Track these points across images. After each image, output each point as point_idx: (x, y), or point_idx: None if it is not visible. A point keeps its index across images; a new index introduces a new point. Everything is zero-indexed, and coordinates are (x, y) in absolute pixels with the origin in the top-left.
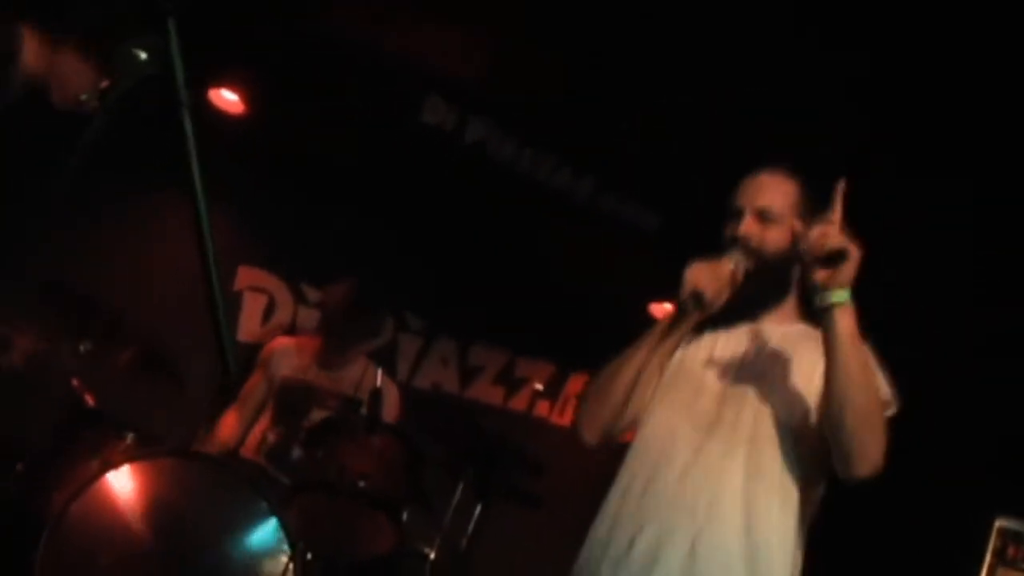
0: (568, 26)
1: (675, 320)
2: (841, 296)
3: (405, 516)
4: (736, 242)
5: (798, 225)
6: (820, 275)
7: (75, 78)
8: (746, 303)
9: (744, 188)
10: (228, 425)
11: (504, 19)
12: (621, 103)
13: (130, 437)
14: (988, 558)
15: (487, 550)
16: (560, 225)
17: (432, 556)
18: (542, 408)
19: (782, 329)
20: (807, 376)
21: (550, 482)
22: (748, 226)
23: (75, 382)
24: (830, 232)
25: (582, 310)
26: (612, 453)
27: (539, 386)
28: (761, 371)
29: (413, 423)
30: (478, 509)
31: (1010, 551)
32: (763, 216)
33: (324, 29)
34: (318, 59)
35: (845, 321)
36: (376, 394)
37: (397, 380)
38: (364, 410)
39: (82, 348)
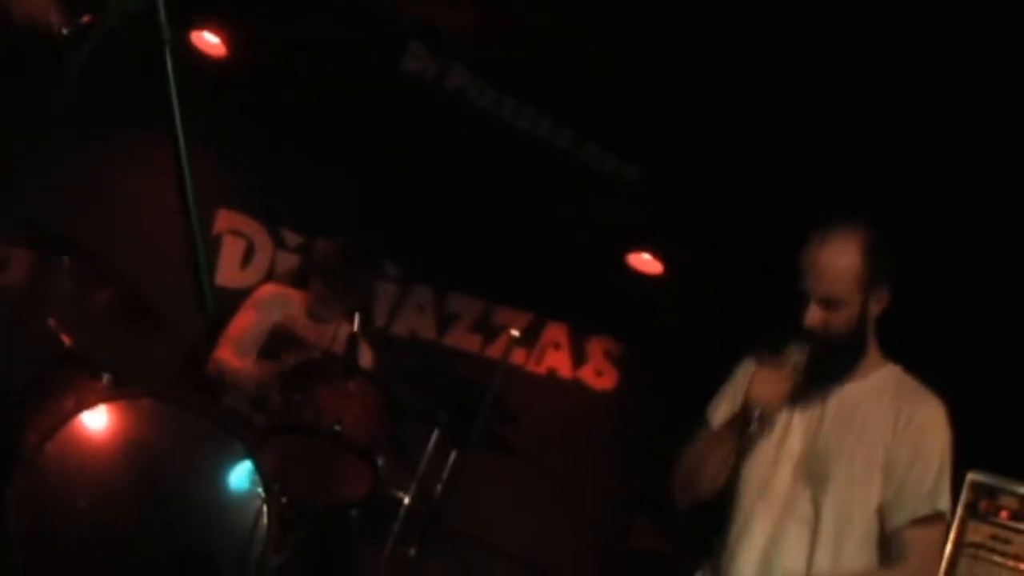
0: None
1: (742, 425)
2: None
3: (381, 461)
4: (808, 331)
5: (866, 300)
6: None
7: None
8: (822, 373)
9: (810, 270)
10: (232, 359)
11: None
12: (601, 53)
13: (106, 378)
14: (960, 512)
15: (462, 496)
16: (539, 174)
17: (407, 501)
18: (518, 356)
19: (860, 385)
20: (873, 451)
21: (525, 429)
22: (814, 317)
23: (52, 322)
24: None
25: (560, 259)
26: (587, 402)
27: (515, 332)
28: (831, 449)
29: (389, 370)
30: (453, 455)
31: (982, 505)
32: (828, 304)
33: None
34: (300, 3)
35: None
36: (353, 339)
37: (374, 327)
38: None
39: (59, 288)
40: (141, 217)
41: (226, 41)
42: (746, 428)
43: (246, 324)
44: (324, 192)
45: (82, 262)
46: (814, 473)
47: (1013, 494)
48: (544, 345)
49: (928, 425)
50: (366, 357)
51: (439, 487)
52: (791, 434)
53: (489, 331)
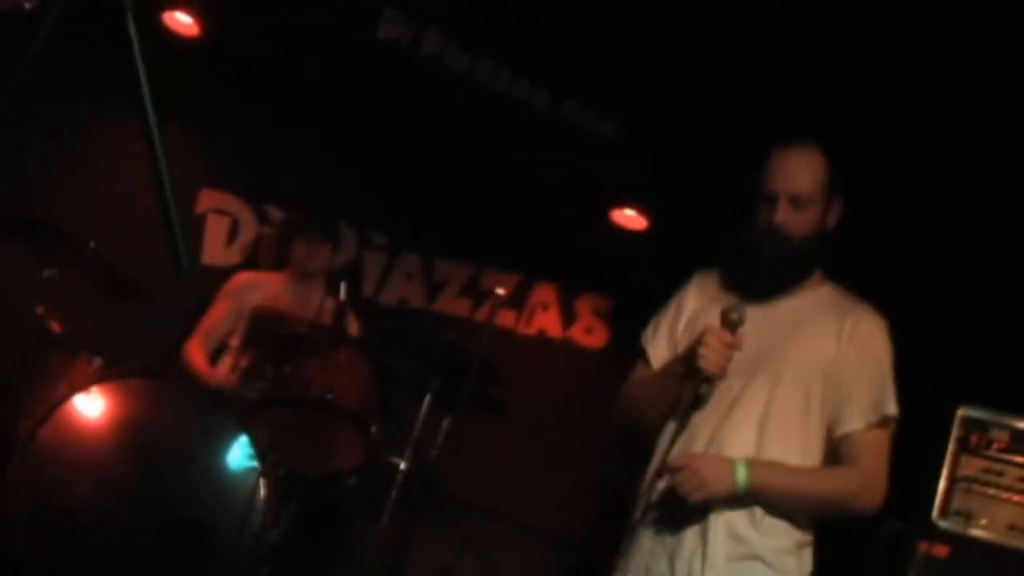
0: None
1: (689, 376)
2: (741, 485)
3: (374, 429)
4: (770, 230)
5: (825, 208)
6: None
7: None
8: (772, 283)
9: (776, 170)
10: (198, 355)
11: None
12: (575, 11)
13: (97, 362)
14: (951, 446)
15: (457, 459)
16: (519, 136)
17: (402, 467)
18: (508, 318)
19: (802, 298)
20: (817, 356)
21: (517, 391)
22: (783, 213)
23: (40, 309)
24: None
25: (545, 219)
26: (578, 361)
27: (501, 291)
28: (775, 350)
29: (378, 337)
30: (446, 420)
31: (973, 439)
32: (796, 202)
33: None
34: None
35: (761, 490)
36: (341, 309)
37: (363, 296)
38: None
39: (45, 275)
40: (127, 199)
41: (199, 20)
42: (694, 387)
43: (219, 315)
44: (306, 166)
45: (68, 247)
46: (761, 375)
47: (1004, 427)
48: (533, 306)
49: (872, 335)
50: (354, 327)
51: (433, 452)
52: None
53: (478, 295)
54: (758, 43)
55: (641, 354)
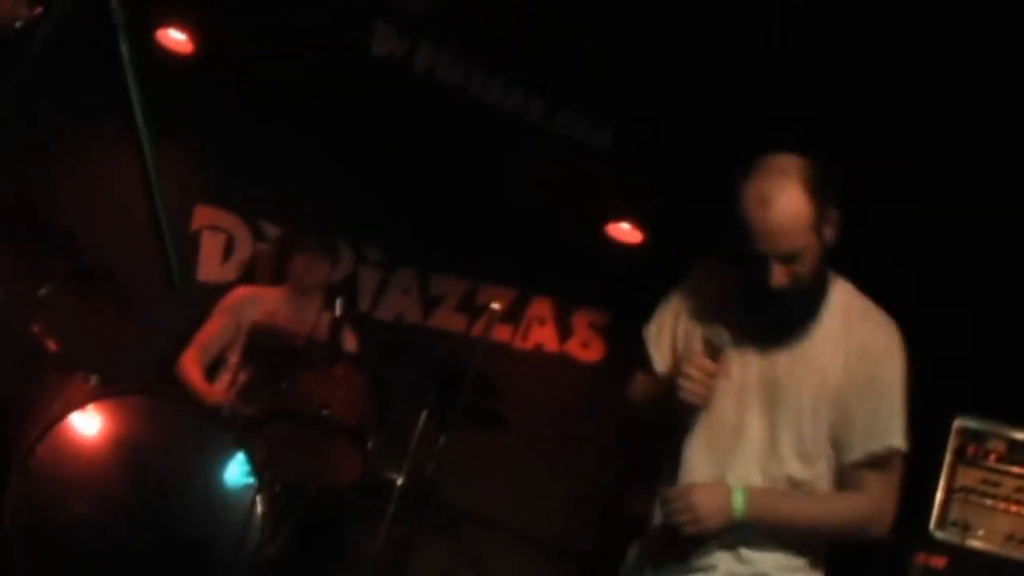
0: None
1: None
2: (738, 515)
3: (371, 443)
4: (774, 292)
5: (820, 238)
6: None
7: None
8: (791, 321)
9: (758, 234)
10: (194, 369)
11: None
12: (568, 23)
13: (94, 379)
14: (948, 457)
15: (454, 474)
16: (515, 148)
17: (400, 482)
18: (504, 333)
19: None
20: (823, 382)
21: (514, 405)
22: (779, 278)
23: (36, 327)
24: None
25: (541, 234)
26: (575, 374)
27: (496, 306)
28: (782, 375)
29: (374, 353)
30: (443, 434)
31: (970, 450)
32: (789, 259)
33: None
34: None
35: (760, 519)
36: (337, 323)
37: (359, 312)
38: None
39: (41, 293)
40: (122, 217)
41: (192, 37)
42: (684, 418)
43: (214, 330)
44: (300, 182)
45: (63, 266)
46: (764, 401)
47: (1001, 437)
48: (529, 321)
49: (882, 356)
50: (350, 342)
51: (430, 466)
52: (747, 365)
53: (474, 310)
54: (754, 55)
55: (643, 354)
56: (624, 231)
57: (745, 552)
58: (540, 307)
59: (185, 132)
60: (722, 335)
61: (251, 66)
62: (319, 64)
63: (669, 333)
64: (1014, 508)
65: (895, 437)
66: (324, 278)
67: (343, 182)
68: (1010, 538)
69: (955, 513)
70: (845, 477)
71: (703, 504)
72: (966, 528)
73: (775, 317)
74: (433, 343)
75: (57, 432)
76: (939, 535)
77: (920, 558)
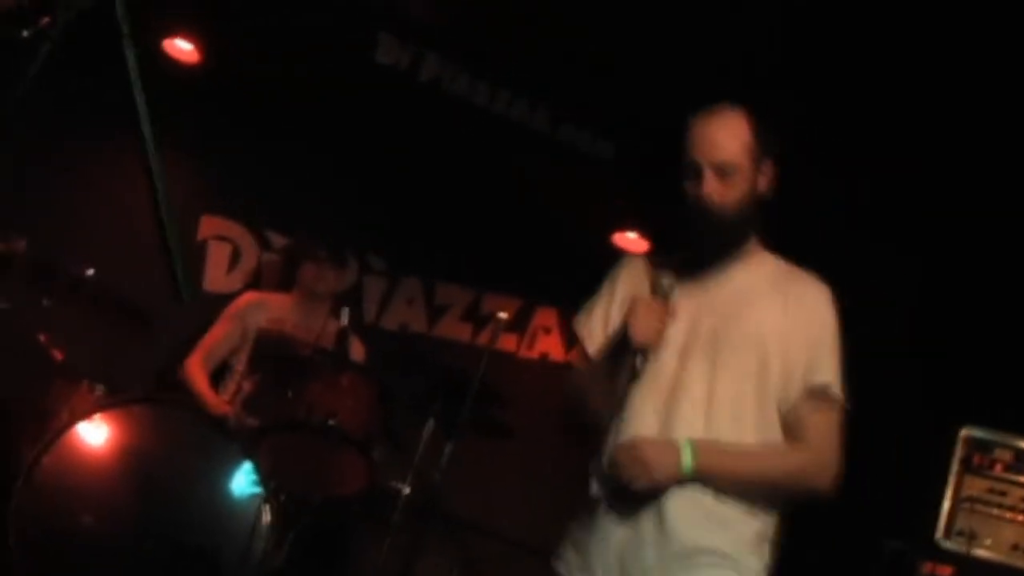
0: None
1: (625, 353)
2: (687, 468)
3: (377, 453)
4: (700, 202)
5: (755, 172)
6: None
7: None
8: (709, 256)
9: (698, 141)
10: (199, 374)
11: None
12: (572, 33)
13: (100, 389)
14: (955, 467)
15: (460, 483)
16: (519, 158)
17: (406, 492)
18: (509, 342)
19: (742, 271)
20: (764, 329)
21: (520, 415)
22: (710, 185)
23: (42, 337)
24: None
25: (546, 243)
26: None
27: (504, 315)
28: (718, 325)
29: (380, 362)
30: (449, 444)
31: (976, 459)
32: (722, 171)
33: None
34: (269, 3)
35: (708, 472)
36: (343, 332)
37: (364, 322)
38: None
39: (46, 302)
40: (126, 224)
41: (199, 47)
42: (631, 364)
43: (220, 334)
44: (306, 191)
45: (68, 275)
46: (703, 353)
47: (1007, 447)
48: (535, 330)
49: (818, 305)
50: (358, 351)
51: (437, 475)
52: (678, 318)
53: (479, 319)
54: (759, 64)
55: (577, 343)
56: (630, 240)
57: (697, 522)
58: (545, 316)
59: (191, 141)
60: (669, 280)
61: (256, 76)
62: (324, 73)
63: (602, 317)
64: (1020, 517)
65: (830, 375)
66: (333, 287)
67: (348, 191)
68: (1016, 547)
69: (961, 522)
70: (785, 426)
71: (652, 456)
72: (972, 537)
73: (707, 246)
74: (438, 352)
75: (63, 441)
76: (946, 544)
77: (926, 567)
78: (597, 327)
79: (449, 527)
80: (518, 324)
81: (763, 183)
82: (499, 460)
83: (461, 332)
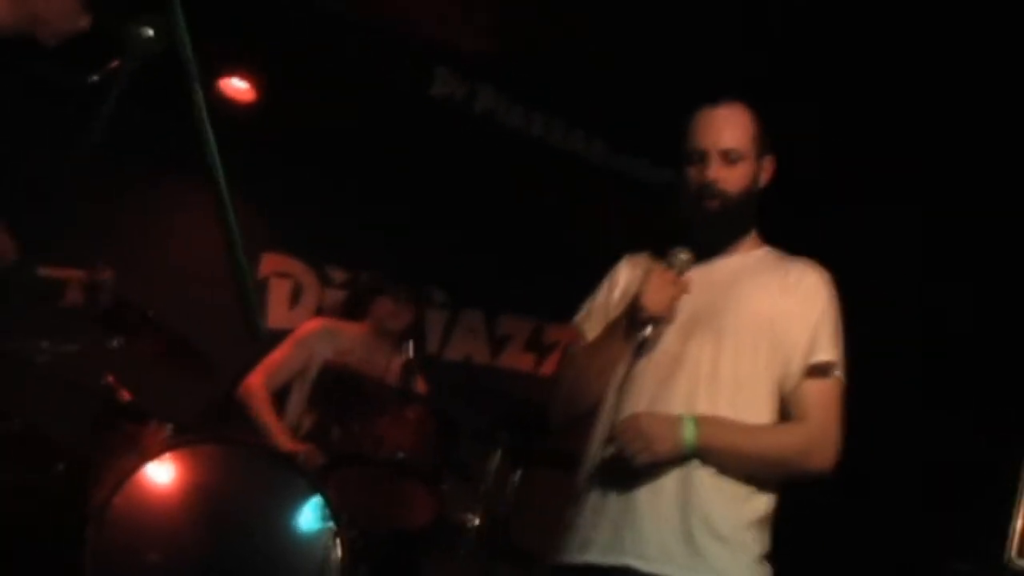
0: None
1: (631, 329)
2: (689, 443)
3: (445, 486)
4: (705, 187)
5: (758, 163)
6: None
7: (61, 13)
8: (708, 245)
9: (703, 128)
10: (261, 393)
11: None
12: (625, 63)
13: (169, 428)
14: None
15: (528, 514)
16: (576, 188)
17: (474, 524)
18: None
19: (740, 258)
20: (762, 309)
21: (585, 443)
22: (716, 171)
23: (110, 378)
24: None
25: (604, 271)
26: None
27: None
28: (718, 305)
29: (445, 394)
30: (517, 475)
31: None
32: (728, 157)
33: (327, 9)
34: (323, 40)
35: (709, 447)
36: (408, 366)
37: (427, 354)
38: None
39: (114, 343)
40: (191, 265)
41: (254, 85)
42: (638, 335)
43: (283, 357)
44: (365, 226)
45: (135, 315)
46: (704, 331)
47: None
48: None
49: (818, 287)
50: (420, 385)
51: (505, 507)
52: (686, 302)
53: (542, 349)
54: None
55: (576, 335)
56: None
57: (695, 499)
58: None
59: (248, 179)
60: (686, 254)
61: (312, 112)
62: (379, 108)
63: (602, 309)
64: None
65: (832, 353)
66: (406, 325)
67: (406, 224)
68: None
69: None
70: (788, 408)
71: (653, 429)
72: None
73: (706, 235)
74: (502, 383)
75: (133, 482)
76: (1020, 563)
77: None
78: (597, 317)
79: (517, 558)
80: None
81: (763, 177)
82: (566, 490)
83: (524, 362)
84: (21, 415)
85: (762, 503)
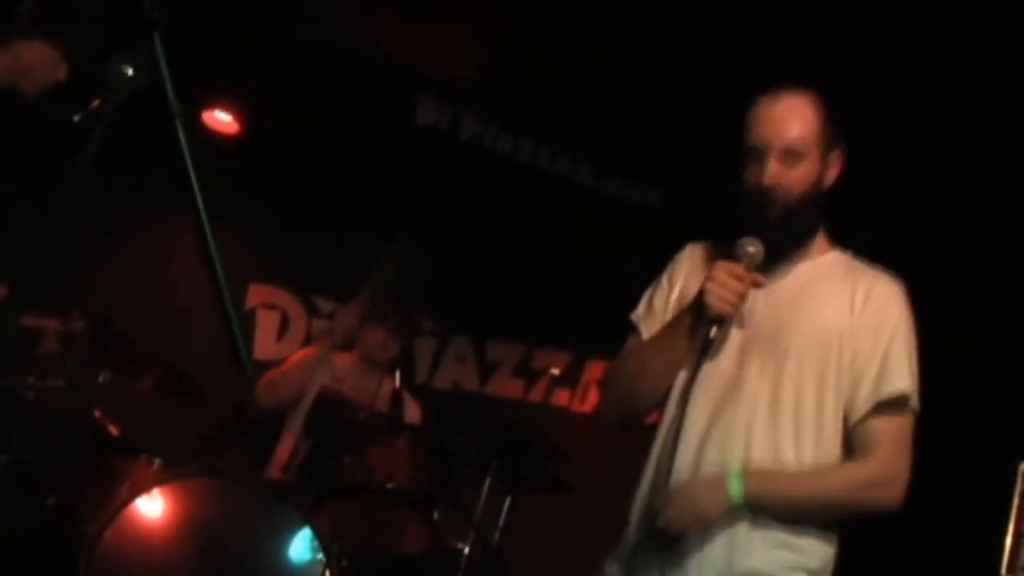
0: (556, 14)
1: (698, 322)
2: (737, 500)
3: (437, 515)
4: (763, 193)
5: (824, 159)
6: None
7: (34, 62)
8: (772, 251)
9: (763, 122)
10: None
11: (490, 12)
12: (612, 86)
13: (157, 462)
14: (1016, 501)
15: (520, 540)
16: (563, 211)
17: (466, 551)
18: (562, 397)
19: (806, 267)
20: (827, 329)
21: (576, 468)
22: (774, 173)
23: (98, 413)
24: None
25: (594, 295)
26: (637, 435)
27: (556, 371)
28: (781, 324)
29: (435, 422)
30: (508, 501)
31: None
32: (789, 156)
33: (311, 40)
34: (307, 71)
35: (759, 499)
36: (397, 395)
37: (416, 382)
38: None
39: (101, 378)
40: (177, 298)
41: (238, 117)
42: (704, 333)
43: (284, 368)
44: (351, 254)
45: (122, 350)
46: (765, 353)
47: None
48: (587, 383)
49: (889, 302)
50: (413, 412)
51: (497, 533)
52: (747, 317)
53: (530, 375)
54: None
55: (632, 330)
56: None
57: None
58: (597, 369)
59: (233, 211)
60: (755, 245)
61: (296, 143)
62: (364, 137)
63: (661, 307)
64: None
65: (904, 382)
66: (394, 357)
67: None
68: None
69: None
70: (852, 439)
71: (700, 498)
72: None
73: (768, 240)
74: (492, 409)
75: (124, 517)
76: None
77: None
78: (656, 316)
79: None
80: (569, 378)
81: (830, 175)
82: (557, 515)
83: (513, 389)
84: (10, 450)
85: (816, 549)
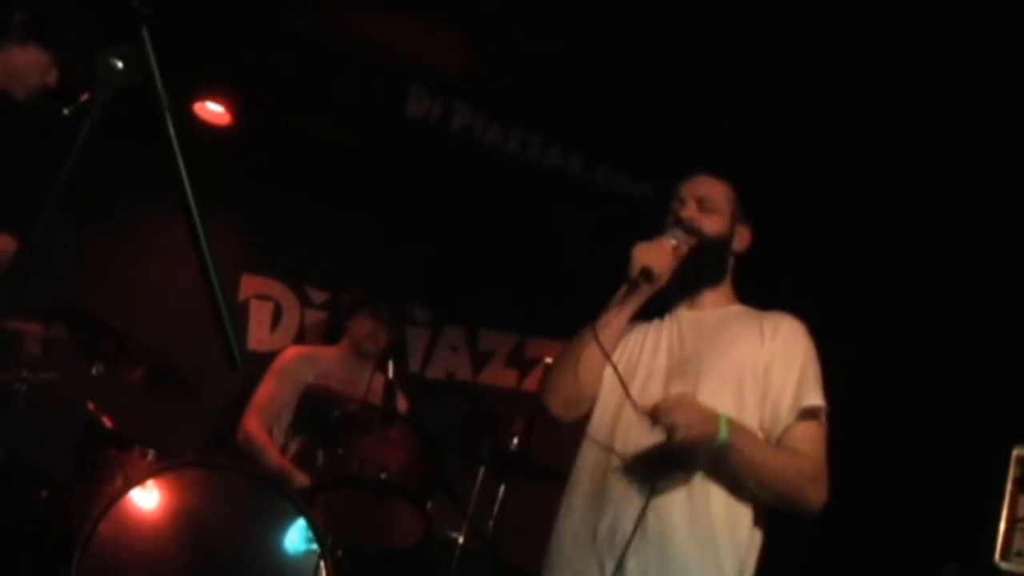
0: (545, 5)
1: (626, 296)
2: (721, 440)
3: (430, 504)
4: (679, 223)
5: (732, 223)
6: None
7: (27, 67)
8: (684, 287)
9: (686, 185)
10: (262, 434)
11: (481, 2)
12: (602, 76)
13: (151, 454)
14: (1009, 487)
15: (514, 529)
16: (555, 203)
17: (461, 540)
18: None
19: (719, 312)
20: (743, 357)
21: (569, 457)
22: (690, 210)
23: (91, 405)
24: (666, 408)
25: (585, 285)
26: None
27: (549, 360)
28: (701, 353)
29: (428, 411)
30: (502, 490)
31: None
32: (703, 204)
33: (302, 31)
34: (298, 62)
35: (736, 448)
36: (390, 386)
37: (410, 372)
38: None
39: (94, 371)
40: (169, 290)
41: (229, 108)
42: (632, 297)
43: (270, 392)
44: (343, 245)
45: (115, 342)
46: (685, 375)
47: None
48: None
49: (794, 334)
50: (401, 403)
51: (491, 522)
52: (657, 352)
53: (523, 364)
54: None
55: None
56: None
57: (680, 516)
58: None
59: (226, 202)
60: (669, 236)
61: (288, 134)
62: (355, 128)
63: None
64: None
65: (818, 398)
66: (383, 347)
67: (385, 242)
68: None
69: (1019, 543)
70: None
71: (697, 411)
72: None
73: (687, 270)
74: (485, 399)
75: (118, 508)
76: (1004, 566)
77: None
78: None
79: (506, 573)
80: None
81: (739, 243)
82: (550, 503)
83: (506, 378)
84: (2, 444)
85: (747, 542)
